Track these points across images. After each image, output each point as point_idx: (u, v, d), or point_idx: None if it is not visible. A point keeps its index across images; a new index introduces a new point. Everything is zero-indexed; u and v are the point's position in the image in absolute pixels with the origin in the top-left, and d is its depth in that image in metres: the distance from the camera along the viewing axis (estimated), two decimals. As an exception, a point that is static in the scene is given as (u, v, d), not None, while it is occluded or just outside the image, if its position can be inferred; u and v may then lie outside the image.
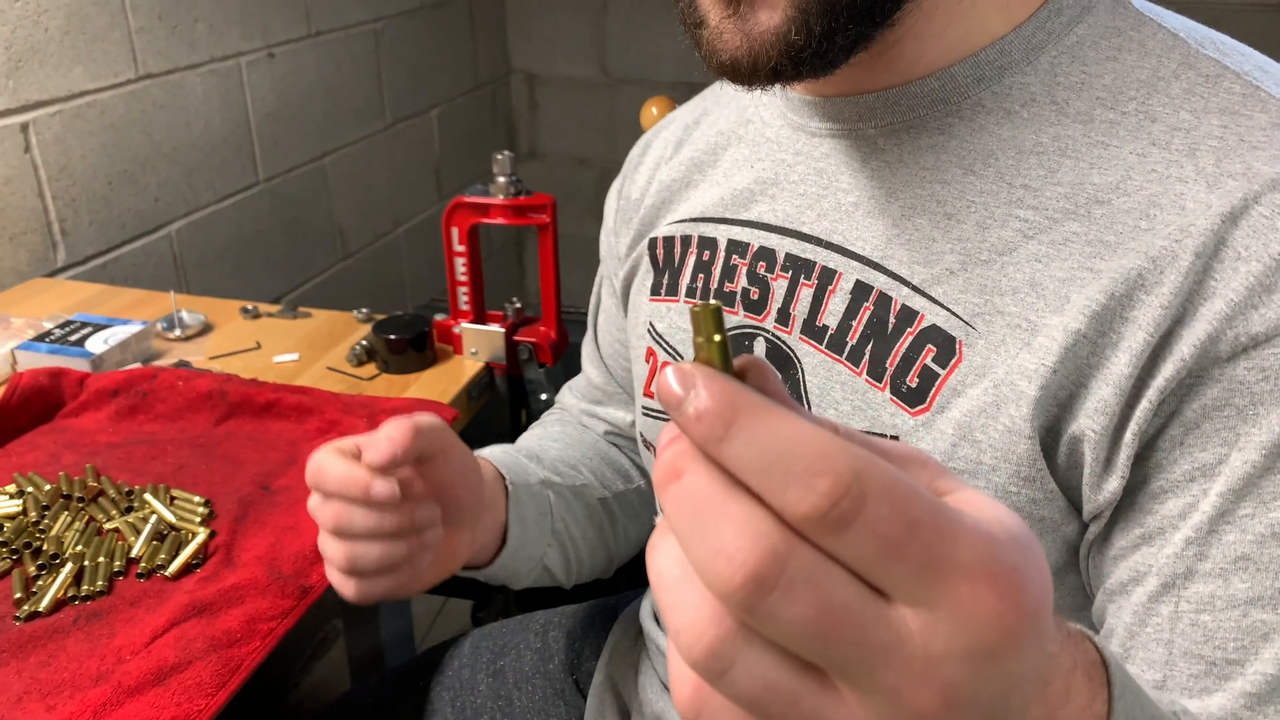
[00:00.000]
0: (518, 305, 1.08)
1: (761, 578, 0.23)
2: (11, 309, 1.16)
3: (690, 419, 0.25)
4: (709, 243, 0.63)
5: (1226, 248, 0.44)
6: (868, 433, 0.53)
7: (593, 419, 0.84)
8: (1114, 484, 0.47)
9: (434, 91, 2.18)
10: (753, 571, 0.23)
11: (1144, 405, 0.46)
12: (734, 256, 0.61)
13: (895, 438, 0.52)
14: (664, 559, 0.26)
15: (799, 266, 0.58)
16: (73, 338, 1.00)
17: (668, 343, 0.66)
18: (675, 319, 0.66)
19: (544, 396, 1.09)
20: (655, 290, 0.68)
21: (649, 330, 0.68)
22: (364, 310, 1.14)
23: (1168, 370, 0.45)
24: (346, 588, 0.58)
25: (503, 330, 1.05)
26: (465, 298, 1.07)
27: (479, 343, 1.06)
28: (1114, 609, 0.49)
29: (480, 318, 1.08)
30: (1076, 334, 0.47)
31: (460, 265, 1.06)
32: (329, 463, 0.55)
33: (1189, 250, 0.45)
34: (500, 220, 1.02)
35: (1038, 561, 0.26)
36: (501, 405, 1.11)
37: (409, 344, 1.03)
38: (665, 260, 0.67)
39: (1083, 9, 0.51)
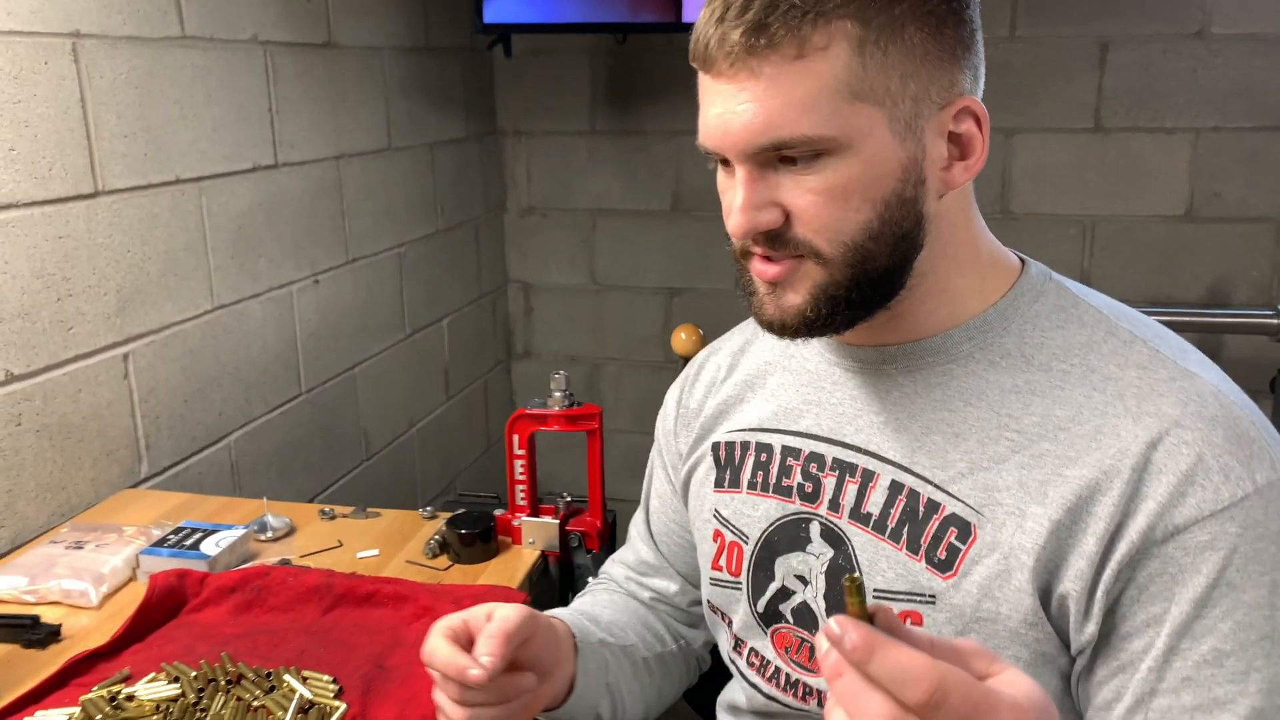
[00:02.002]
0: (567, 498, 1.26)
1: None
2: (109, 518, 1.30)
3: (847, 650, 0.45)
4: (765, 447, 0.83)
5: (1151, 464, 0.65)
6: (910, 594, 0.71)
7: (639, 587, 1.00)
8: (1091, 629, 0.66)
9: (445, 303, 2.41)
10: None
11: (1108, 573, 0.66)
12: (789, 459, 0.81)
13: (933, 597, 0.70)
14: (837, 719, 0.47)
15: (844, 468, 0.77)
16: (188, 542, 1.15)
17: (733, 525, 0.84)
18: (739, 506, 0.84)
19: (590, 580, 1.25)
20: (719, 484, 0.86)
21: (715, 515, 0.86)
22: (429, 509, 1.30)
23: (1122, 549, 0.65)
24: None
25: (556, 521, 1.22)
26: (522, 494, 1.24)
27: (536, 534, 1.23)
28: None
29: (535, 511, 1.25)
30: (1056, 522, 0.67)
31: (519, 466, 1.24)
32: (437, 646, 0.71)
33: (1127, 466, 0.66)
34: (555, 428, 1.21)
35: (1049, 713, 0.46)
36: (552, 588, 1.26)
37: (478, 537, 1.19)
38: (727, 460, 0.86)
39: (1038, 293, 0.74)
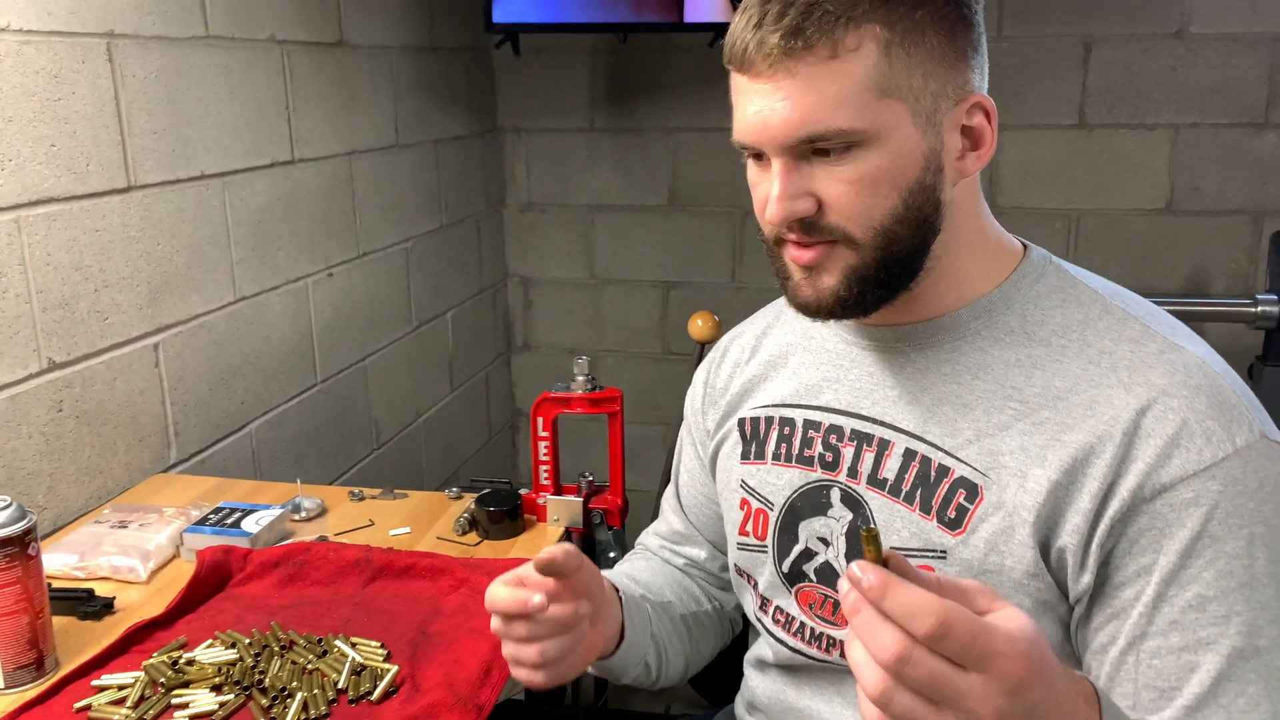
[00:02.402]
0: (590, 478, 1.32)
1: (903, 659, 0.51)
2: (145, 501, 1.35)
3: (865, 589, 0.52)
4: (788, 421, 0.89)
5: (1140, 429, 0.72)
6: (923, 550, 0.78)
7: (673, 555, 1.06)
8: (1087, 579, 0.73)
9: (449, 297, 2.46)
10: (897, 656, 0.51)
11: (1102, 528, 0.72)
12: (810, 431, 0.87)
13: (944, 552, 0.77)
14: (856, 650, 0.54)
15: (861, 438, 0.83)
16: (228, 521, 1.20)
17: (759, 494, 0.90)
18: (764, 476, 0.90)
19: (612, 555, 1.31)
20: (745, 456, 0.92)
21: (741, 485, 0.92)
22: (455, 489, 1.36)
23: (1114, 506, 0.72)
24: (538, 677, 0.79)
25: (580, 499, 1.28)
26: (546, 473, 1.30)
27: (560, 511, 1.29)
28: (1096, 663, 0.74)
29: (558, 490, 1.31)
30: (1055, 482, 0.74)
31: (543, 447, 1.30)
32: (498, 590, 0.77)
33: (1119, 431, 0.72)
34: (579, 410, 1.27)
35: (1040, 644, 0.53)
36: (574, 564, 1.32)
37: (506, 514, 1.25)
38: (752, 435, 0.92)
39: (1038, 275, 0.81)
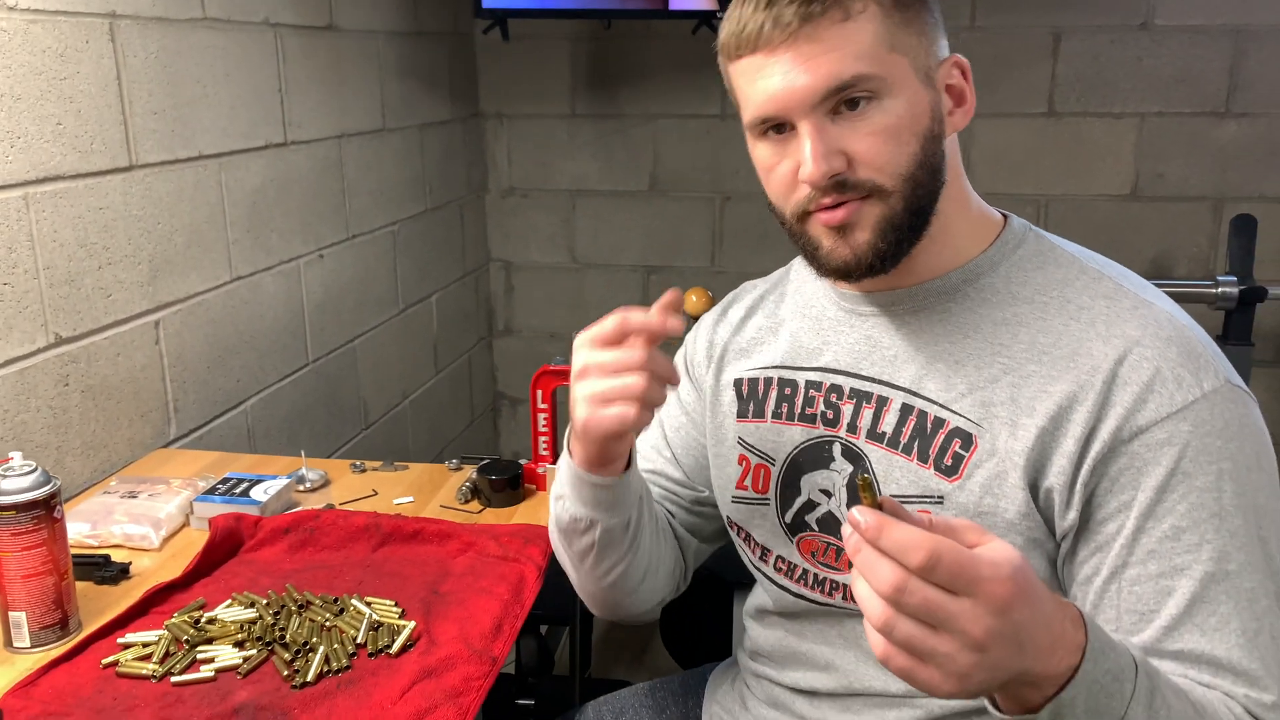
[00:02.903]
0: (586, 449, 1.36)
1: (900, 589, 0.56)
2: (150, 474, 1.38)
3: (863, 530, 0.58)
4: (788, 382, 0.94)
5: (1118, 377, 0.78)
6: (921, 496, 0.83)
7: (649, 483, 1.04)
8: (1072, 516, 0.79)
9: (433, 280, 2.49)
10: (894, 587, 0.56)
11: (1085, 468, 0.78)
12: (811, 391, 0.92)
13: (941, 497, 0.83)
14: (859, 586, 0.60)
15: (861, 395, 0.89)
16: (237, 490, 1.24)
17: (759, 450, 0.95)
18: (764, 433, 0.95)
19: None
20: (743, 414, 0.97)
21: (739, 442, 0.97)
22: (455, 461, 1.40)
23: (1096, 448, 0.78)
24: (632, 411, 0.80)
25: (577, 469, 1.33)
26: (545, 444, 1.34)
27: (559, 480, 1.33)
28: (1081, 594, 0.80)
29: (556, 460, 1.35)
30: (1042, 429, 0.79)
31: (542, 419, 1.34)
32: (632, 312, 0.80)
33: (1099, 380, 0.78)
34: (577, 383, 1.31)
35: (1024, 570, 0.58)
36: (571, 532, 1.36)
37: (507, 483, 1.29)
38: (750, 394, 0.96)
39: (1019, 240, 0.87)
